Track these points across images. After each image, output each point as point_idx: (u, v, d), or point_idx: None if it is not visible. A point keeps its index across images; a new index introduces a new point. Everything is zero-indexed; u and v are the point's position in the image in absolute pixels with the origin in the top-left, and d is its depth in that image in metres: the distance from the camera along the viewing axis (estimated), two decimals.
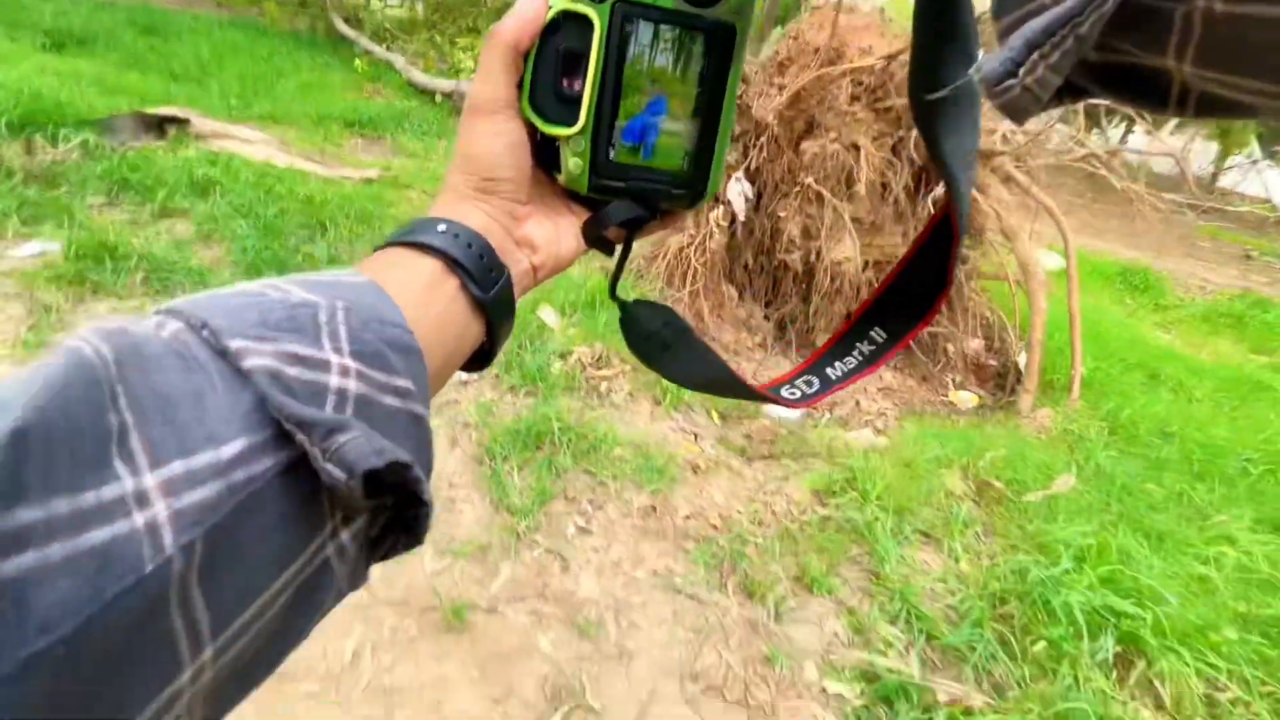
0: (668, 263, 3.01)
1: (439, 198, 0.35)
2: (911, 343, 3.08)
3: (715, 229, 2.98)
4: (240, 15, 7.97)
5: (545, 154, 0.36)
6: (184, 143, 3.69)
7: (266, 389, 0.21)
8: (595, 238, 0.39)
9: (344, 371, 0.23)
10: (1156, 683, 1.59)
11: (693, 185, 0.38)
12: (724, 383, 0.43)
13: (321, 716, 1.28)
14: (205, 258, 2.70)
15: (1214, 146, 15.71)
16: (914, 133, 2.90)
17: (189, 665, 0.19)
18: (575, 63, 0.34)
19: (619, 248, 0.41)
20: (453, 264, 0.31)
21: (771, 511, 2.06)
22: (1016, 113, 0.20)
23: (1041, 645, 1.62)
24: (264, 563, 0.21)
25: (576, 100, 0.34)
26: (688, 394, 2.56)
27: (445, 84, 6.51)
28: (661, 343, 0.43)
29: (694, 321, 3.02)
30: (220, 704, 0.22)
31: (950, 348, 3.56)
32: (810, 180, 2.83)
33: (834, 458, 2.30)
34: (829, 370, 0.44)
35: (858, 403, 3.00)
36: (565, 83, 0.34)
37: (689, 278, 3.01)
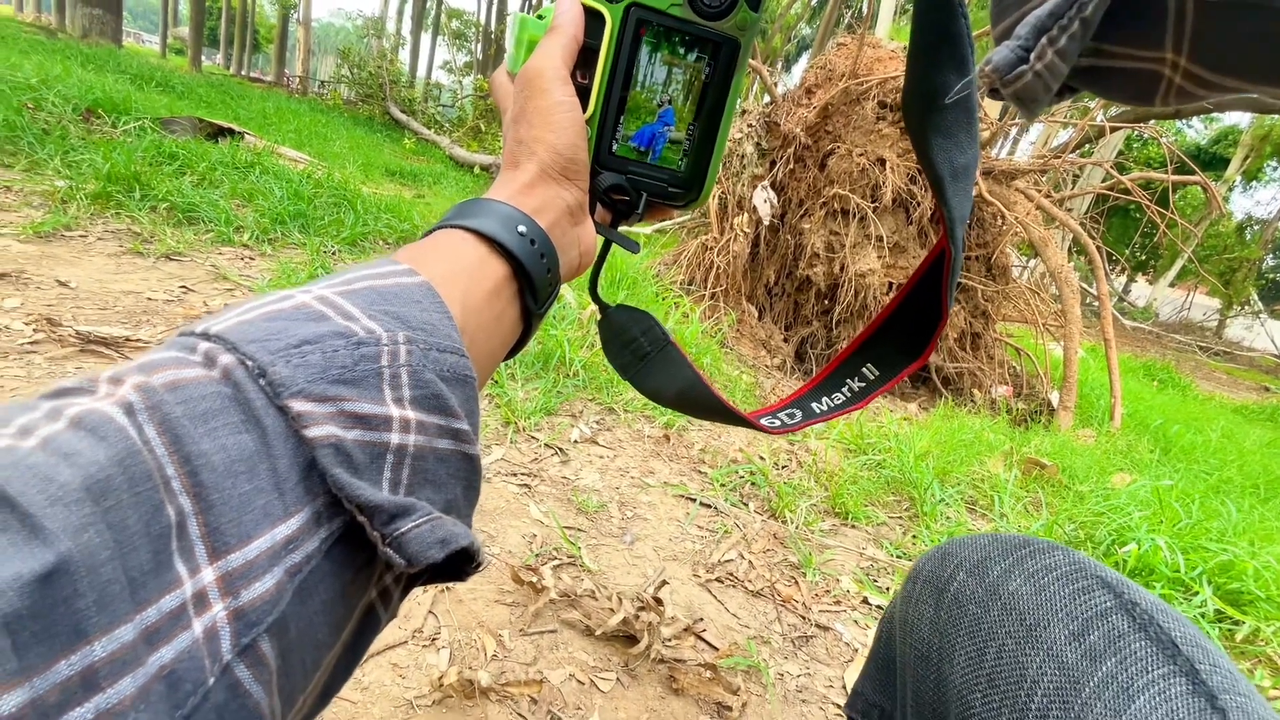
0: (689, 260, 2.98)
1: (523, 166, 0.34)
2: (940, 386, 2.92)
3: (740, 234, 2.98)
4: (307, 97, 8.75)
5: None
6: (237, 148, 3.88)
7: (328, 465, 0.21)
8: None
9: (404, 426, 0.23)
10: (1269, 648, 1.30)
11: (689, 186, 0.39)
12: (701, 402, 0.41)
13: None
14: (234, 209, 2.71)
15: (1215, 301, 16.20)
16: None
17: None
18: (588, 56, 0.35)
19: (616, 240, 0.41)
20: (520, 273, 0.31)
21: (797, 461, 1.85)
22: (1028, 103, 0.20)
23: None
24: (325, 635, 0.21)
25: (586, 91, 0.35)
26: (708, 353, 2.42)
27: (485, 158, 6.97)
28: (639, 352, 0.42)
29: (713, 327, 2.93)
30: None
31: (977, 393, 3.42)
32: (837, 191, 2.87)
33: (862, 423, 2.10)
34: (814, 405, 0.43)
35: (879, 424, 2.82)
36: (578, 74, 0.36)
37: (709, 279, 2.96)
